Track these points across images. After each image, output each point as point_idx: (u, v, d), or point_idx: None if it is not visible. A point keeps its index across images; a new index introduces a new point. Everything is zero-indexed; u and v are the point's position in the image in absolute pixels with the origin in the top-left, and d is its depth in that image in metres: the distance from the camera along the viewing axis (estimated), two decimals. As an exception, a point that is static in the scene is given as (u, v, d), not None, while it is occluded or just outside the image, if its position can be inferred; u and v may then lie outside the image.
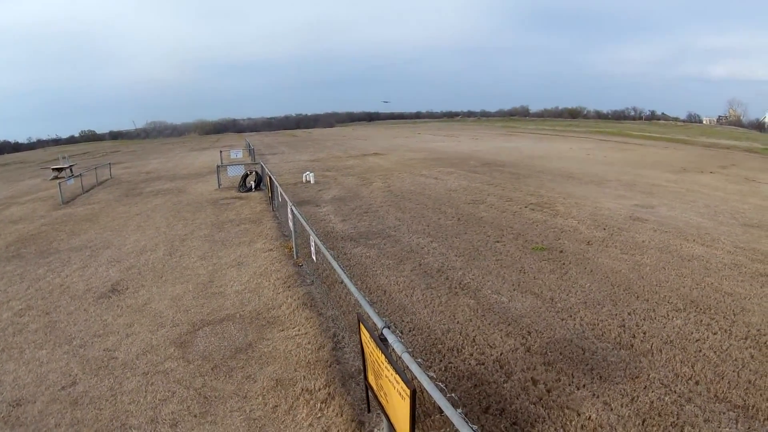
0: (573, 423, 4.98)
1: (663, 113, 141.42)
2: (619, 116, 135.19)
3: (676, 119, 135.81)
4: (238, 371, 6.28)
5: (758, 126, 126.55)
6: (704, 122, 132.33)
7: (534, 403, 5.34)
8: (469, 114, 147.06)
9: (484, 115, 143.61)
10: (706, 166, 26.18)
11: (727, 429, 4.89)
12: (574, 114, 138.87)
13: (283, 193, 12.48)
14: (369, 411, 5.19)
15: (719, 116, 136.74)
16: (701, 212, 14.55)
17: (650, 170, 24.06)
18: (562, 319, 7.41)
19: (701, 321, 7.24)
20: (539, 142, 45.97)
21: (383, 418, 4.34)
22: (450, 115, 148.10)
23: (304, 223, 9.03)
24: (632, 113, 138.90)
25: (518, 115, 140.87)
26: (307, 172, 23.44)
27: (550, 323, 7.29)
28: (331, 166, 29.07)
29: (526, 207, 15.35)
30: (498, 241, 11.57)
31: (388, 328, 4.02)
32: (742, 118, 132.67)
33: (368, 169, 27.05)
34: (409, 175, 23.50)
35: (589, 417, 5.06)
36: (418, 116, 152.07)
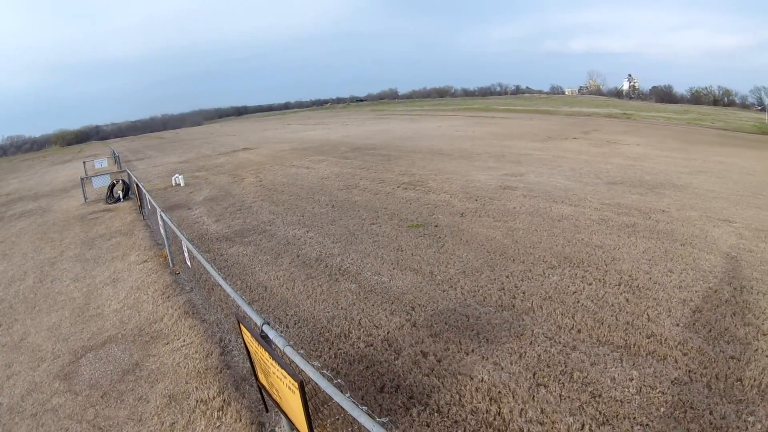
0: (467, 387, 5.47)
1: (527, 87, 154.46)
2: (485, 93, 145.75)
3: (540, 92, 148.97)
4: (128, 394, 6.09)
5: (617, 93, 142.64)
6: (566, 93, 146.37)
7: (427, 375, 5.76)
8: (339, 100, 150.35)
9: (353, 101, 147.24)
10: (570, 133, 29.17)
11: (613, 368, 5.68)
12: (441, 93, 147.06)
13: (152, 200, 12.14)
14: (267, 411, 5.28)
15: (580, 87, 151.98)
16: (567, 175, 16.38)
17: (517, 141, 26.31)
18: (444, 291, 8.01)
19: (576, 274, 8.27)
20: (409, 123, 48.08)
21: (281, 415, 4.48)
22: (319, 103, 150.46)
23: (175, 229, 8.87)
24: (498, 89, 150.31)
25: (387, 98, 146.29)
26: (177, 175, 23.01)
27: (433, 296, 7.85)
28: (201, 166, 28.48)
29: (398, 187, 16.13)
30: (374, 223, 12.11)
31: (268, 324, 4.16)
32: (601, 87, 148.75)
33: (239, 165, 26.89)
34: (280, 168, 23.73)
35: (482, 379, 5.58)
36: (287, 107, 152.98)
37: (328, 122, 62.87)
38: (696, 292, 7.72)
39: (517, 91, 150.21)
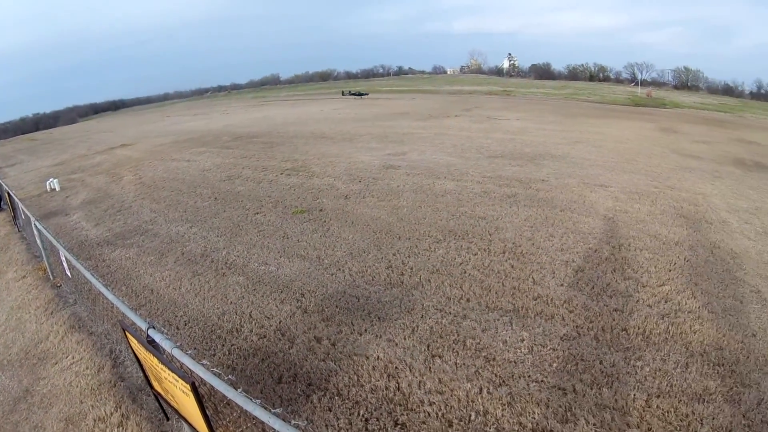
0: (364, 367, 5.53)
1: (410, 68, 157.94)
2: (368, 74, 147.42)
3: (422, 72, 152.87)
4: (23, 424, 5.55)
5: (497, 72, 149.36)
6: (449, 72, 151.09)
7: (323, 360, 5.75)
8: (220, 89, 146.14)
9: (234, 88, 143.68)
10: (452, 111, 30.18)
11: (504, 332, 5.98)
12: (324, 77, 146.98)
13: (25, 209, 11.11)
14: (168, 419, 5.06)
15: (462, 66, 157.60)
16: (450, 152, 16.97)
17: (400, 121, 26.83)
18: (332, 274, 8.01)
19: (461, 246, 8.59)
20: (291, 109, 47.61)
21: (182, 421, 4.30)
22: (200, 92, 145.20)
23: (51, 238, 8.20)
24: (381, 71, 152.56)
25: (269, 84, 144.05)
26: (51, 179, 21.17)
27: (322, 281, 7.82)
28: (77, 167, 26.49)
29: (281, 174, 15.93)
30: (258, 213, 11.90)
31: (153, 327, 3.99)
32: (482, 66, 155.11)
33: (117, 163, 25.34)
34: (160, 162, 22.70)
35: (378, 357, 5.67)
36: (166, 98, 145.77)
37: (209, 112, 61.06)
38: (577, 253, 8.27)
39: (400, 72, 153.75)
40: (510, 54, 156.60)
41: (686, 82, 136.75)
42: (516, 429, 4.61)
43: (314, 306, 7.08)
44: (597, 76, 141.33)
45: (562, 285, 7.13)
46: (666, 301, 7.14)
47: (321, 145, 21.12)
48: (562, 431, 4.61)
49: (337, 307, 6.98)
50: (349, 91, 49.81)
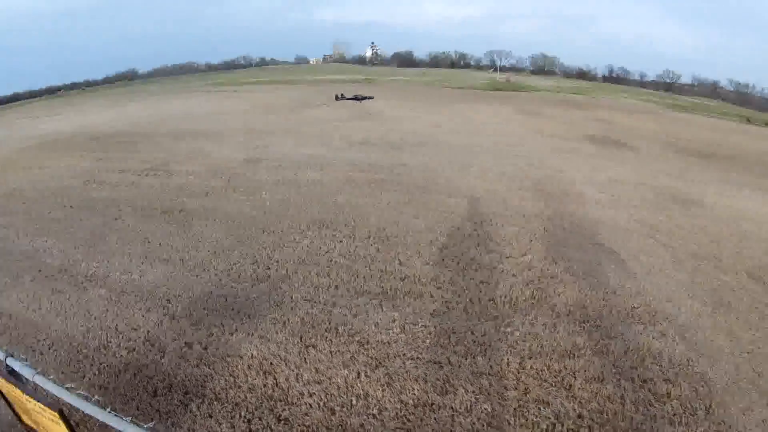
0: (240, 367, 5.34)
1: (272, 58, 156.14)
2: (230, 66, 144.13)
3: (285, 62, 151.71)
4: None
5: (360, 60, 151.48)
6: (312, 62, 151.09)
7: (197, 366, 5.45)
8: (73, 86, 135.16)
9: (89, 85, 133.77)
10: (316, 101, 29.98)
11: (375, 314, 6.02)
12: (185, 69, 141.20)
13: None
14: None
15: (325, 56, 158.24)
16: (314, 142, 16.91)
17: (263, 114, 26.32)
18: (197, 276, 7.63)
19: (327, 235, 8.56)
20: (151, 104, 45.04)
21: None
22: (51, 91, 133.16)
23: None
24: (243, 62, 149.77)
25: (127, 80, 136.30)
26: None
27: (187, 284, 7.43)
28: None
29: (141, 175, 15.00)
30: (117, 218, 11.10)
31: (12, 356, 3.57)
32: (345, 55, 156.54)
33: None
34: (11, 173, 20.34)
35: (252, 355, 5.49)
36: (16, 98, 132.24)
37: (63, 111, 56.35)
38: (441, 232, 8.52)
39: (263, 63, 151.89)
40: (373, 43, 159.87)
41: (543, 67, 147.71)
42: (398, 407, 4.65)
43: (182, 311, 6.70)
44: (458, 63, 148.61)
45: (428, 263, 7.30)
46: (529, 269, 7.53)
47: (182, 142, 20.16)
48: (443, 403, 4.70)
49: (205, 309, 6.65)
50: (342, 95, 38.45)
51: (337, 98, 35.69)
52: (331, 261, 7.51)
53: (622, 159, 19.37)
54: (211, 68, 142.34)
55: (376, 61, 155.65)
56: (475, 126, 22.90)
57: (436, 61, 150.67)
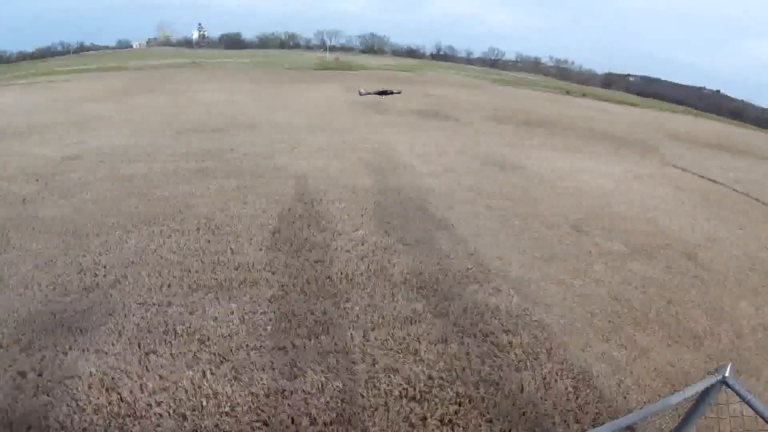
0: (80, 388, 4.96)
1: (92, 43, 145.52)
2: (45, 54, 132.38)
3: (106, 47, 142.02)
4: None
5: (187, 43, 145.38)
6: (135, 46, 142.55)
7: (35, 396, 4.98)
8: None
9: None
10: (140, 88, 28.36)
11: (212, 309, 5.90)
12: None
13: None
14: None
15: (149, 39, 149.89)
16: (138, 132, 16.00)
17: (84, 104, 24.34)
18: (20, 294, 6.90)
19: (154, 231, 8.17)
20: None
21: None
22: None
23: None
24: (60, 48, 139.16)
25: None
26: None
27: (10, 305, 6.67)
28: None
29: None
30: None
31: None
32: (171, 38, 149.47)
33: None
34: None
35: (91, 373, 5.13)
36: None
37: None
38: (272, 215, 8.49)
39: (82, 49, 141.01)
40: (200, 24, 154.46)
41: (373, 47, 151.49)
42: (250, 401, 4.60)
43: (8, 337, 6.03)
44: (288, 43, 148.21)
45: (261, 249, 7.24)
46: (362, 244, 7.71)
47: (-9, 144, 18.21)
48: (294, 388, 4.73)
49: (33, 330, 6.05)
50: (366, 90, 33.83)
51: (360, 94, 32.35)
52: (161, 259, 7.18)
53: (450, 131, 20.49)
54: (23, 57, 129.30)
55: (203, 43, 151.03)
56: (304, 106, 23.03)
57: (266, 42, 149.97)
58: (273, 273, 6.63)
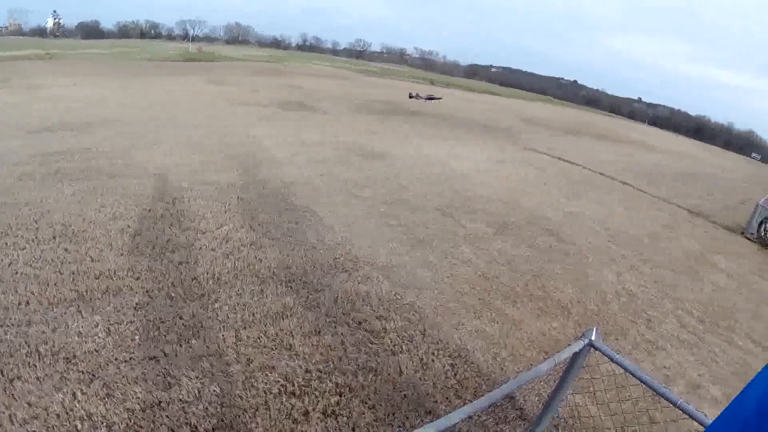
0: None
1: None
2: None
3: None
4: None
5: (41, 32, 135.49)
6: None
7: None
8: None
9: None
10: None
11: (75, 323, 5.53)
12: None
13: None
14: None
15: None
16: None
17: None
18: None
19: (7, 243, 7.31)
20: None
21: None
22: None
23: None
24: None
25: None
26: None
27: None
28: None
29: None
30: None
31: None
32: (23, 27, 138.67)
33: None
34: None
35: None
36: None
37: None
38: (132, 218, 8.13)
39: None
40: (55, 11, 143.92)
41: (237, 37, 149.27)
42: (126, 417, 4.40)
43: None
44: (149, 33, 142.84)
45: (122, 254, 6.92)
46: (227, 241, 7.62)
47: None
48: (170, 398, 4.58)
49: None
50: (417, 94, 40.70)
51: (410, 96, 38.86)
52: (16, 273, 6.60)
53: (314, 122, 20.70)
54: None
55: (59, 33, 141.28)
56: (165, 100, 22.24)
57: (126, 32, 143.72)
58: (137, 279, 6.33)
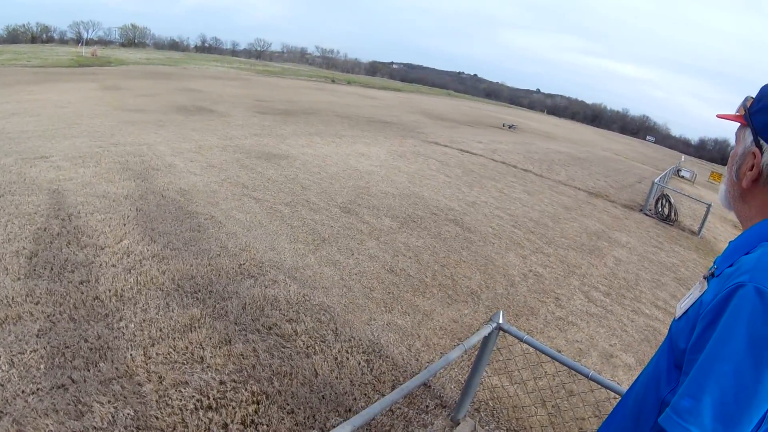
0: None
1: None
2: None
3: None
4: None
5: None
6: None
7: None
8: None
9: None
10: None
11: None
12: None
13: None
14: None
15: None
16: None
17: None
18: None
19: None
20: None
21: None
22: None
23: None
24: None
25: None
26: None
27: None
28: None
29: None
30: None
31: None
32: None
33: None
34: None
35: None
36: None
37: None
38: (26, 238, 7.75)
39: None
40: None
41: (134, 39, 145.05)
42: None
43: None
44: (40, 37, 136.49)
45: (19, 279, 6.63)
46: (128, 255, 7.53)
47: None
48: (83, 427, 4.46)
49: None
50: (505, 124, 49.51)
51: (503, 126, 46.66)
52: None
53: (212, 125, 20.52)
54: None
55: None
56: (53, 109, 21.06)
57: (15, 36, 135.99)
58: (36, 304, 6.04)
